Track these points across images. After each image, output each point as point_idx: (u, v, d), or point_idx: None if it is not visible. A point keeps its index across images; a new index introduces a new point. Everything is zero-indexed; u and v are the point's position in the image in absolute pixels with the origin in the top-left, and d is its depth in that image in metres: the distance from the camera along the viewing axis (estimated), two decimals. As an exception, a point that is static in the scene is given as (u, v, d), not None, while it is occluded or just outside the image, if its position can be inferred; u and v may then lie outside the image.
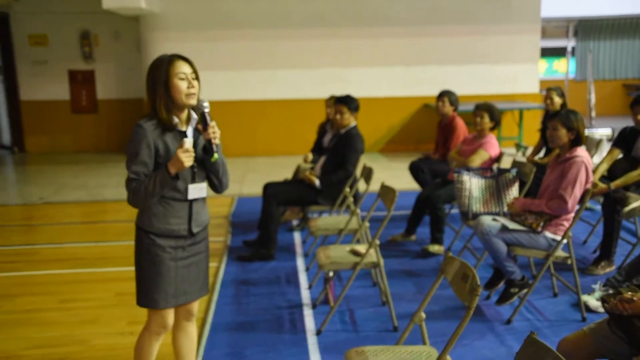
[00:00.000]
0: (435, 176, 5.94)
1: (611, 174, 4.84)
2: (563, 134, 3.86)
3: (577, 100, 13.34)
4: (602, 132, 10.63)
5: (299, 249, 5.51)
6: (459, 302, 4.12)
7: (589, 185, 3.82)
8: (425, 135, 10.60)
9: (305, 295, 4.43)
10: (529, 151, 6.49)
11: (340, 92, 8.80)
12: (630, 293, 2.48)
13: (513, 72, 10.59)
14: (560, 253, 3.86)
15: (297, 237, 5.85)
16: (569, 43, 15.05)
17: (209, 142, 2.62)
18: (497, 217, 4.03)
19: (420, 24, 10.26)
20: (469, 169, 4.82)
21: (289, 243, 5.64)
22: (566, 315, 3.97)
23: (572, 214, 3.86)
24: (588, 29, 14.64)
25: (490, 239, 3.85)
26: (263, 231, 5.21)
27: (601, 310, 3.99)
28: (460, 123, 5.98)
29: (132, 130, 2.59)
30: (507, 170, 4.72)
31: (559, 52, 15.00)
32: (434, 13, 10.25)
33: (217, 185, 2.80)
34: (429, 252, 5.16)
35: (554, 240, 3.85)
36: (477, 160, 5.15)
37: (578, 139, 3.84)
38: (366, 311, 4.11)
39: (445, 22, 10.29)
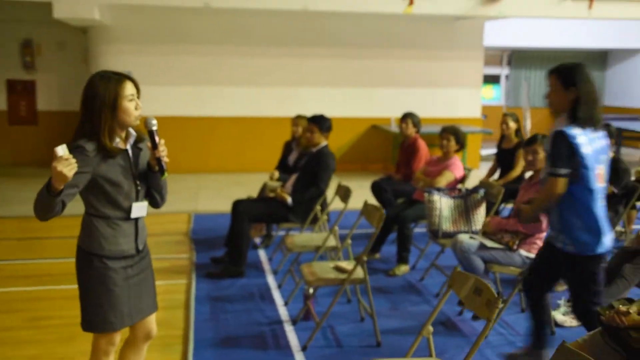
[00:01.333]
0: (398, 196, 6.11)
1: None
2: (543, 158, 4.08)
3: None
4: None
5: (266, 266, 5.52)
6: (437, 318, 4.26)
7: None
8: (374, 155, 10.85)
9: (283, 311, 4.45)
10: (472, 173, 6.73)
11: (291, 110, 8.96)
12: (623, 306, 2.67)
13: (457, 97, 11.00)
14: (533, 270, 4.07)
15: (262, 254, 5.85)
16: (502, 71, 15.80)
17: (158, 160, 2.58)
18: (474, 236, 4.21)
19: (371, 47, 10.52)
20: (438, 189, 5.00)
21: (255, 260, 5.65)
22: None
23: (545, 233, 4.08)
24: (520, 59, 15.43)
25: (469, 256, 4.02)
26: (233, 248, 5.21)
27: (567, 324, 4.23)
28: (422, 144, 6.19)
29: (71, 152, 2.35)
30: (475, 191, 4.93)
31: (492, 79, 15.70)
32: (384, 36, 10.53)
33: (158, 202, 2.77)
34: (397, 274, 5.28)
35: (527, 257, 4.06)
36: (443, 181, 5.35)
37: (551, 163, 4.08)
38: (346, 327, 4.18)
39: (393, 45, 10.60)
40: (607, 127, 4.07)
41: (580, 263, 3.25)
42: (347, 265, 4.04)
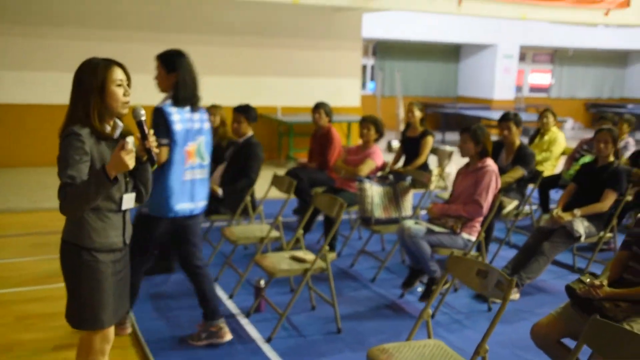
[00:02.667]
0: (313, 184, 6.21)
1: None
2: (471, 147, 4.39)
3: (374, 112, 14.57)
4: (393, 144, 11.87)
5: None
6: (382, 302, 4.46)
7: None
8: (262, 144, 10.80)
9: (231, 305, 4.40)
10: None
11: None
12: (597, 280, 3.00)
13: (338, 86, 11.31)
14: (473, 252, 4.39)
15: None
16: (369, 62, 16.43)
17: (148, 151, 2.49)
18: (419, 221, 4.44)
19: (255, 35, 10.48)
20: (369, 177, 5.18)
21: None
22: (473, 306, 4.50)
23: (482, 217, 4.41)
24: (384, 50, 16.14)
25: (418, 241, 4.24)
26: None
27: (498, 300, 4.59)
28: (336, 134, 6.34)
29: (65, 138, 2.37)
30: (403, 178, 5.18)
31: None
32: (269, 25, 10.53)
33: (143, 195, 2.71)
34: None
35: (469, 240, 4.36)
36: (366, 169, 5.54)
37: (485, 151, 4.41)
38: (299, 317, 4.22)
39: (278, 35, 10.64)
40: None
41: (151, 222, 3.58)
42: (304, 255, 4.08)
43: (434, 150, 6.83)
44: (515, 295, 4.63)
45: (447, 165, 6.82)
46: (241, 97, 10.51)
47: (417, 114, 6.68)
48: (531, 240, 4.81)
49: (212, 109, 6.26)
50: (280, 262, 3.99)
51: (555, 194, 7.42)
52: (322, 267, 3.94)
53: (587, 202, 4.76)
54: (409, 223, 4.38)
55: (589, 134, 8.50)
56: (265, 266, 3.94)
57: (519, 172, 5.43)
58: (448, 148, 6.95)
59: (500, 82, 15.95)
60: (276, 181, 5.00)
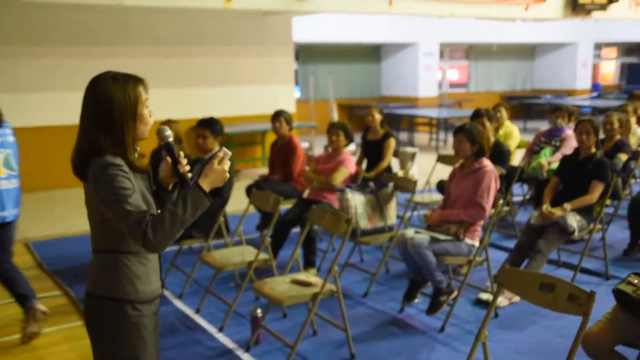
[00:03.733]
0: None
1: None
2: (467, 147, 4.19)
3: (309, 117, 14.33)
4: (349, 147, 11.66)
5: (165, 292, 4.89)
6: (383, 319, 4.19)
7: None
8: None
9: (224, 339, 3.98)
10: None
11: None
12: (649, 280, 2.84)
13: (272, 93, 10.95)
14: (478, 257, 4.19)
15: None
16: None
17: (181, 177, 2.09)
18: (420, 230, 4.19)
19: (185, 44, 9.96)
20: (349, 186, 4.89)
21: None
22: (479, 314, 4.30)
23: (484, 220, 4.22)
24: (307, 53, 15.90)
25: (423, 251, 3.98)
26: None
27: (502, 304, 4.42)
28: (298, 142, 6.01)
29: (105, 170, 1.95)
30: (385, 185, 4.92)
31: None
32: (198, 34, 10.04)
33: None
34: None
35: (472, 245, 4.16)
36: (340, 177, 5.25)
37: (481, 151, 4.22)
38: (304, 344, 3.85)
39: (205, 42, 10.16)
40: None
41: None
42: (306, 277, 3.74)
43: (395, 153, 6.63)
44: (514, 297, 4.47)
45: (411, 167, 6.64)
46: (173, 110, 9.98)
47: (377, 116, 6.45)
48: (524, 238, 4.68)
49: (166, 125, 5.76)
50: (283, 287, 3.62)
51: (518, 188, 7.42)
52: (332, 289, 3.60)
53: (574, 195, 4.68)
54: (410, 233, 4.12)
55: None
56: (268, 294, 3.57)
57: (498, 171, 5.30)
58: (410, 149, 6.77)
59: (423, 80, 16.08)
60: (257, 198, 4.62)
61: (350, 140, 5.45)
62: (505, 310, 4.32)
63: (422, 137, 14.85)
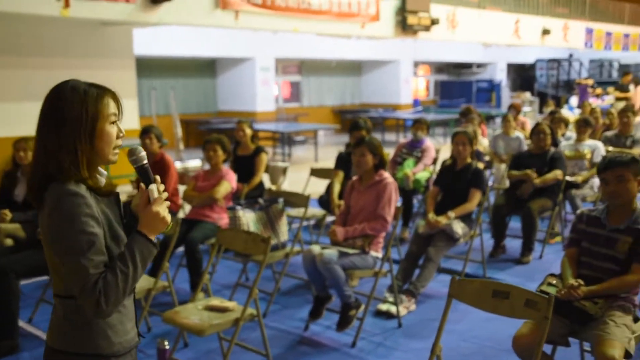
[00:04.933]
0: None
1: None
2: (370, 159, 4.22)
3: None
4: (193, 163, 11.29)
5: (30, 329, 4.32)
6: (291, 339, 4.05)
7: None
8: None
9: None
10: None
11: None
12: (573, 281, 3.04)
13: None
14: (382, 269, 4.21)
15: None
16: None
17: None
18: (327, 245, 4.12)
19: (11, 54, 9.01)
20: (239, 204, 4.70)
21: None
22: (383, 325, 4.32)
23: (387, 232, 4.26)
24: (143, 67, 15.20)
25: (332, 266, 3.92)
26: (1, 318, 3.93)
27: (402, 313, 4.49)
28: (170, 159, 5.65)
29: (61, 202, 1.66)
30: (275, 201, 4.79)
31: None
32: (27, 42, 9.13)
33: None
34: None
35: (377, 257, 4.18)
36: (222, 191, 5.03)
37: (381, 163, 4.26)
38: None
39: (39, 53, 9.28)
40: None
41: None
42: (221, 302, 3.50)
43: (266, 168, 6.52)
44: (412, 306, 4.58)
45: (283, 182, 6.57)
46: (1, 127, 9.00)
47: (248, 131, 6.32)
48: (414, 247, 4.82)
49: (19, 144, 5.12)
50: (199, 315, 3.35)
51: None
52: (253, 313, 3.40)
53: (455, 203, 4.92)
54: (317, 249, 4.04)
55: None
56: (184, 324, 3.28)
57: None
58: (281, 164, 6.69)
59: (261, 95, 16.12)
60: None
61: (228, 154, 5.26)
62: (406, 320, 4.39)
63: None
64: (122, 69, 10.39)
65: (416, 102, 20.63)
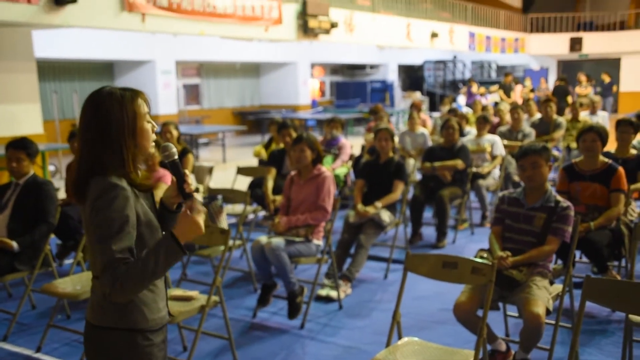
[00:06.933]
0: (81, 222, 5.51)
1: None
2: (309, 155, 4.55)
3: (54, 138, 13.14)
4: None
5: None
6: (242, 326, 4.30)
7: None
8: None
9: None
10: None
11: None
12: (501, 253, 3.52)
13: (14, 113, 9.94)
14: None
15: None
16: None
17: (188, 196, 1.98)
18: (272, 235, 4.41)
19: None
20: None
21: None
22: (326, 308, 4.66)
23: (326, 221, 4.60)
24: (46, 70, 14.67)
25: (280, 253, 4.21)
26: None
27: (341, 297, 4.84)
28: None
29: (103, 191, 1.85)
30: (215, 198, 5.01)
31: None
32: None
33: None
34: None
35: (318, 245, 4.51)
36: (160, 193, 5.16)
37: (319, 157, 4.60)
38: (178, 362, 3.81)
39: None
40: None
41: None
42: (184, 292, 3.70)
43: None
44: (348, 289, 4.95)
45: (209, 181, 6.75)
46: None
47: (174, 132, 6.47)
48: (346, 236, 5.20)
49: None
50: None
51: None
52: (216, 300, 3.64)
53: (380, 194, 5.35)
54: (265, 239, 4.32)
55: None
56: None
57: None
58: (207, 164, 6.87)
59: (163, 98, 15.99)
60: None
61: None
62: (345, 302, 4.76)
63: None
64: (23, 72, 10.06)
65: (314, 103, 21.17)
